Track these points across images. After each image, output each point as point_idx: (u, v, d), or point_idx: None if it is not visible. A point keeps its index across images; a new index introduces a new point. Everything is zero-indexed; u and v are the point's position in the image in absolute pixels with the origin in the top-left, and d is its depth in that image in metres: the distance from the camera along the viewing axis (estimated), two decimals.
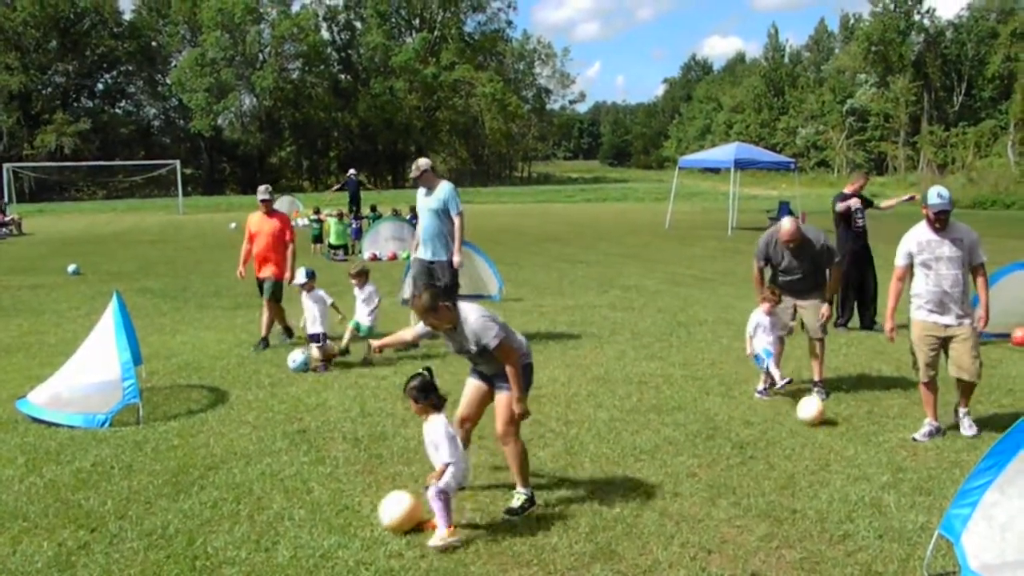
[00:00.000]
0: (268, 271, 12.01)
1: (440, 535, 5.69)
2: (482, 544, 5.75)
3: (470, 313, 6.11)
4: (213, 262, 22.58)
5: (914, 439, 7.87)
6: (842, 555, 5.60)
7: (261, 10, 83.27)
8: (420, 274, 11.70)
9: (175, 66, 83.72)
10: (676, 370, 10.61)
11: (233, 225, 36.26)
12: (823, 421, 8.29)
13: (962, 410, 8.07)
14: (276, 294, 11.97)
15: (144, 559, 5.59)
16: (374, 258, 22.76)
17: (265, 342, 11.91)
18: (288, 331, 12.33)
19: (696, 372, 10.51)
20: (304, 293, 11.16)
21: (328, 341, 11.00)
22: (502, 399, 6.23)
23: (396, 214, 27.13)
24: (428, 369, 6.00)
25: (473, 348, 6.10)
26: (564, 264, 22.01)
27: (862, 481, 6.88)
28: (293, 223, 36.81)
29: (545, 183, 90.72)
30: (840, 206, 13.13)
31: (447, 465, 5.77)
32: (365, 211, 28.94)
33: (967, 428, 7.99)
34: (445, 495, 5.73)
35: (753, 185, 62.16)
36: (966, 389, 8.01)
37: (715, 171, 62.00)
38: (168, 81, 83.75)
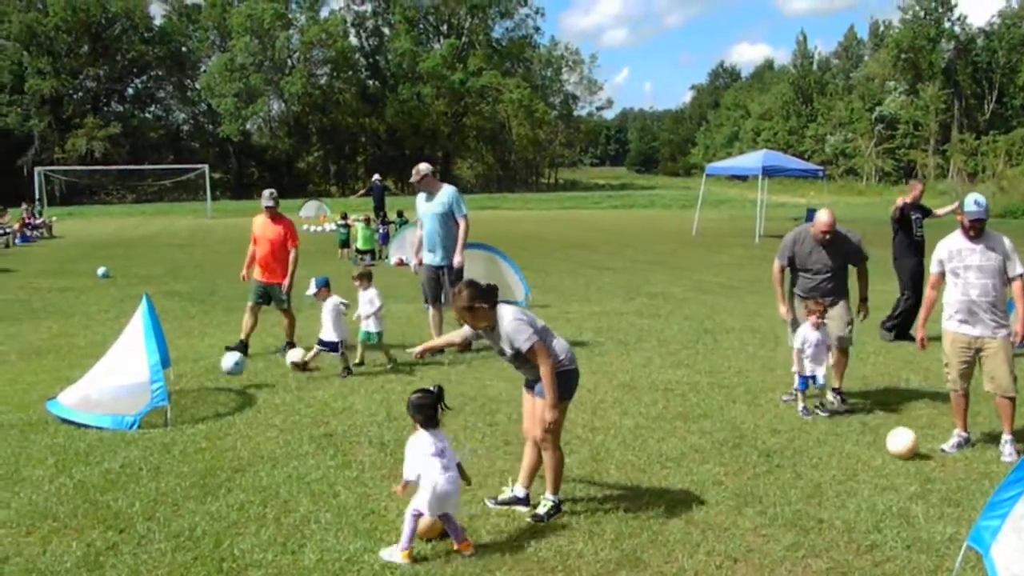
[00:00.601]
0: (272, 277, 11.91)
1: (393, 553, 5.61)
2: (507, 549, 5.76)
3: (506, 315, 6.05)
4: (241, 266, 22.60)
5: (943, 450, 7.80)
6: (869, 566, 5.57)
7: (290, 16, 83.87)
8: (429, 280, 11.80)
9: (204, 71, 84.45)
10: (702, 378, 10.59)
11: None
12: (916, 455, 7.64)
13: (1005, 436, 7.73)
14: (285, 300, 11.90)
15: (172, 560, 5.63)
16: (400, 263, 22.79)
17: (291, 344, 11.85)
18: (245, 347, 11.76)
19: (722, 380, 10.48)
20: (321, 302, 10.89)
21: (344, 350, 10.80)
22: (539, 405, 6.19)
23: None
24: (439, 387, 5.86)
25: (508, 351, 6.08)
26: (591, 270, 21.99)
27: (890, 491, 6.84)
28: (320, 228, 36.99)
29: (572, 189, 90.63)
30: (894, 210, 13.07)
31: (406, 482, 5.66)
32: (392, 216, 29.00)
33: (1007, 455, 7.59)
34: (416, 516, 5.61)
35: (781, 193, 61.89)
36: (1006, 409, 7.72)
37: (743, 178, 61.86)
38: (197, 86, 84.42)
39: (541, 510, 6.30)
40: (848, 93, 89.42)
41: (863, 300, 9.31)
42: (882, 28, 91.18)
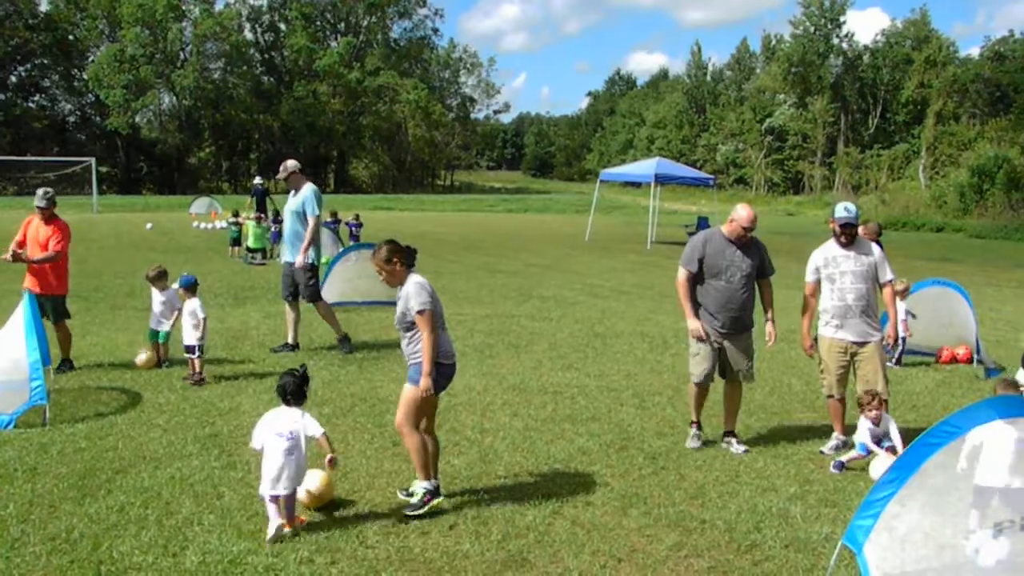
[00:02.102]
0: (46, 288, 10.39)
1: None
2: (393, 551, 5.74)
3: (415, 278, 6.44)
4: (127, 262, 22.16)
5: (822, 452, 8.05)
6: (749, 564, 5.70)
7: (183, 7, 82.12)
8: (285, 277, 11.86)
9: (92, 61, 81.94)
10: (591, 381, 10.69)
11: (150, 225, 35.65)
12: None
13: (838, 437, 8.21)
14: (60, 312, 10.66)
15: (47, 564, 5.47)
16: None
17: (67, 361, 10.61)
18: (68, 364, 10.65)
19: (611, 383, 10.60)
20: (187, 299, 10.30)
21: (201, 355, 10.21)
22: (405, 391, 6.41)
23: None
24: (303, 366, 6.44)
25: (400, 314, 6.41)
26: (483, 273, 22.04)
27: (770, 492, 7.01)
28: (211, 225, 36.24)
29: (467, 192, 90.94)
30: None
31: (253, 449, 6.19)
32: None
33: (827, 449, 8.07)
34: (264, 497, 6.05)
35: (673, 200, 62.99)
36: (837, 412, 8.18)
37: (636, 185, 62.77)
38: (85, 76, 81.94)
39: (414, 500, 6.36)
40: (740, 104, 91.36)
41: (772, 321, 8.28)
42: (774, 42, 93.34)
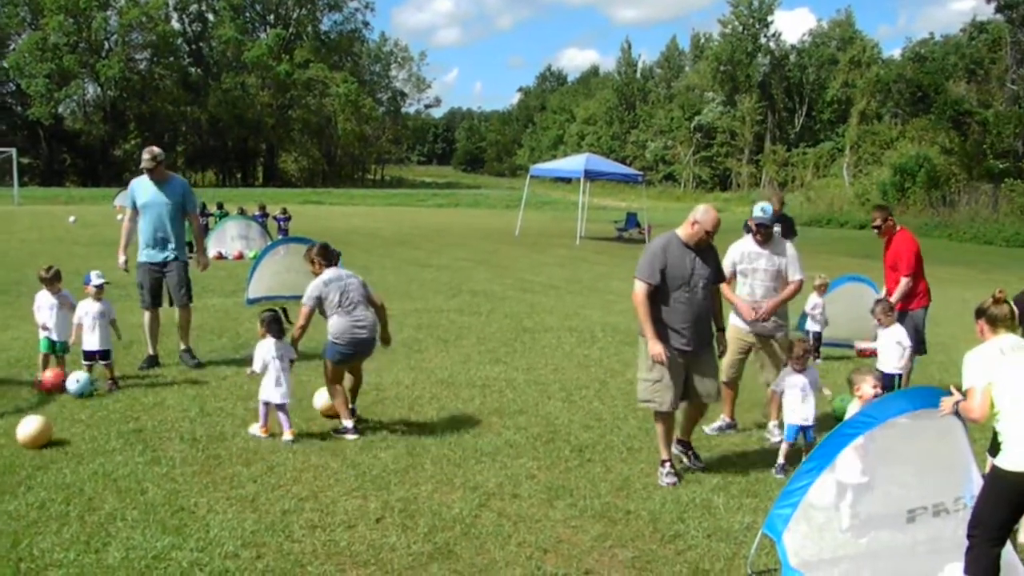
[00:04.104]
0: None
1: (254, 428, 8.09)
2: (319, 544, 5.74)
3: (321, 276, 8.20)
4: (50, 255, 21.68)
5: (704, 430, 8.43)
6: (672, 554, 5.80)
7: None
8: (154, 279, 10.59)
9: (13, 49, 79.95)
10: (519, 374, 10.76)
11: (73, 219, 34.91)
12: None
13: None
14: None
15: None
16: (219, 257, 22.24)
17: None
18: None
19: (539, 377, 10.67)
20: (91, 300, 9.61)
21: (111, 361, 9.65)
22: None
23: (243, 213, 26.70)
24: (284, 309, 8.27)
25: None
26: (413, 267, 21.99)
27: (693, 483, 7.14)
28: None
29: (398, 187, 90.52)
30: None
31: (252, 372, 8.04)
32: (211, 208, 28.23)
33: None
34: (265, 404, 7.97)
35: (603, 196, 63.36)
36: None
37: (566, 181, 63.08)
38: (5, 64, 79.92)
39: (340, 426, 8.12)
40: (669, 102, 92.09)
41: (722, 330, 7.68)
42: (703, 40, 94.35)
